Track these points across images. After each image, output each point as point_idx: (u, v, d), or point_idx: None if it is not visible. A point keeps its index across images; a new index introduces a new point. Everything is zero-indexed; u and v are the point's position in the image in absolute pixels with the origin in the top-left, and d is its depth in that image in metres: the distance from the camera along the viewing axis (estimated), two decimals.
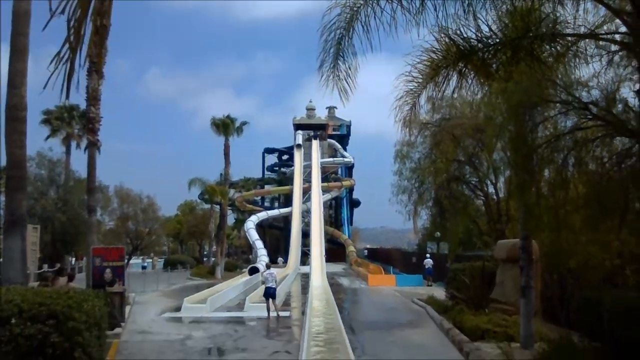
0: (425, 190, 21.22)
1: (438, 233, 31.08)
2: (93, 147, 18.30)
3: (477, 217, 22.57)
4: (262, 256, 42.51)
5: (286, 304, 21.20)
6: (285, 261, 46.89)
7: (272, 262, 51.42)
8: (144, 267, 48.71)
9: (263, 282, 17.63)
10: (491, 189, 20.92)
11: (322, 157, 60.44)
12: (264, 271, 17.58)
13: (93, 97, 18.11)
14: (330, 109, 69.71)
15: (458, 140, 19.22)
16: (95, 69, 17.93)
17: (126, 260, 27.08)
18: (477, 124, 17.27)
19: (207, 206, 48.39)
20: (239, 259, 60.78)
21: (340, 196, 63.98)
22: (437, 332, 14.03)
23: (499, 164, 19.54)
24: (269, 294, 16.79)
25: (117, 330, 13.28)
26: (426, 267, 30.07)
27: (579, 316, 10.75)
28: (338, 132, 68.41)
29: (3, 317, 7.10)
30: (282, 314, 17.30)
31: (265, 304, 17.01)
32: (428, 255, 32.24)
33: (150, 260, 53.81)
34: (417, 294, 23.77)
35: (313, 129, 64.11)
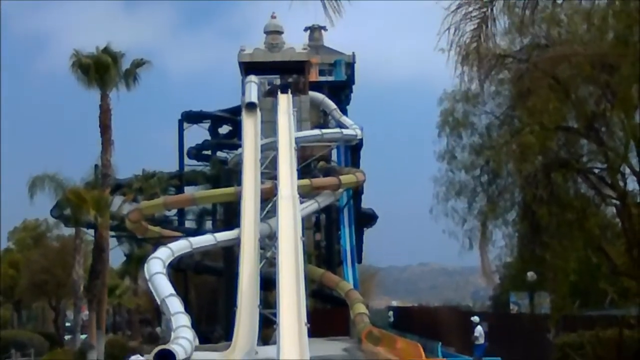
0: (503, 189, 21.26)
1: (530, 273, 31.21)
2: None
3: (607, 241, 22.72)
4: (180, 328, 42.26)
5: None
6: (228, 338, 46.76)
7: (204, 338, 51.71)
8: None
9: None
10: (633, 185, 21.06)
11: (300, 129, 60.37)
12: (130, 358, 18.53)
13: None
14: (314, 30, 69.84)
15: (565, 87, 19.24)
16: None
17: None
18: (601, 53, 17.33)
19: (70, 231, 48.16)
20: (136, 334, 60.58)
21: (338, 205, 64.00)
22: None
23: None
24: None
25: None
26: (475, 340, 31.24)
27: None
28: (330, 78, 68.69)
29: None
30: None
31: None
32: (476, 319, 32.65)
33: None
34: None
35: (279, 71, 64.23)
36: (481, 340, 30.59)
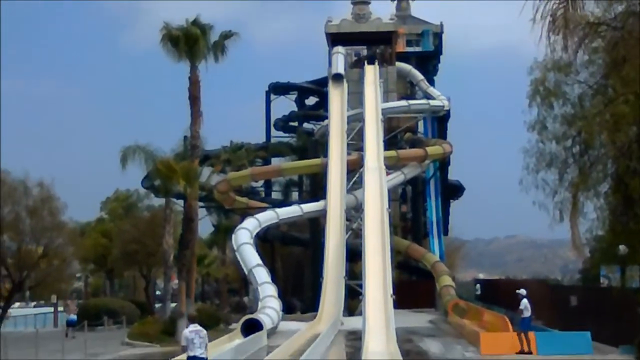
0: (595, 160, 20.88)
1: (622, 247, 30.61)
2: None
3: None
4: (267, 298, 42.81)
5: None
6: (314, 308, 47.10)
7: (289, 308, 52.14)
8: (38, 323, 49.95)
9: (184, 349, 18.42)
10: None
11: (386, 100, 60.16)
12: (188, 328, 18.51)
13: None
14: (401, 0, 68.91)
15: None
16: None
17: None
18: None
19: (160, 201, 48.97)
20: (224, 303, 61.40)
21: (424, 177, 63.70)
22: None
23: None
24: None
25: None
26: (521, 313, 30.52)
27: None
28: (418, 49, 68.00)
29: None
30: None
31: None
32: (523, 292, 32.25)
33: (56, 307, 55.30)
34: None
35: (366, 42, 63.91)
36: (527, 314, 30.22)
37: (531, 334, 32.76)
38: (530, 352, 29.49)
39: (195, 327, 18.11)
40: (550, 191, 22.25)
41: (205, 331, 18.28)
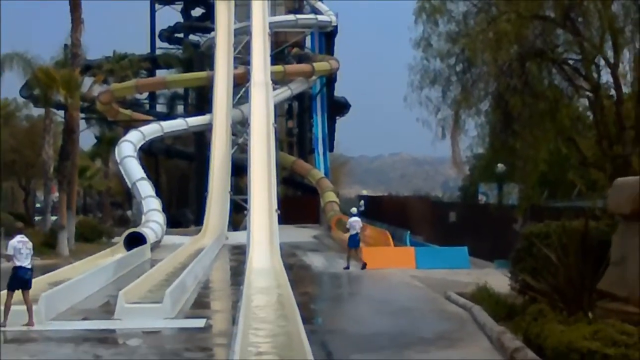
0: (477, 78, 21.08)
1: (500, 165, 31.37)
2: None
3: (577, 132, 22.81)
4: (151, 212, 42.64)
5: (200, 305, 21.38)
6: (199, 222, 47.16)
7: (174, 222, 52.03)
8: None
9: (9, 258, 18.25)
10: (607, 77, 21.03)
11: (274, 13, 59.65)
12: (15, 239, 18.13)
13: None
14: None
15: None
16: None
17: None
18: None
19: (39, 112, 47.71)
20: (106, 217, 60.84)
21: (311, 93, 63.83)
22: (491, 354, 14.40)
23: (623, 22, 19.47)
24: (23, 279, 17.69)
25: None
26: (350, 231, 31.79)
27: None
28: None
29: None
30: (192, 322, 17.91)
31: None
32: (354, 211, 34.66)
33: None
34: (455, 283, 24.25)
35: None
36: (352, 232, 31.40)
37: (410, 249, 33.70)
38: (365, 264, 30.71)
39: (22, 237, 17.85)
40: (434, 108, 22.48)
41: (31, 243, 18.03)
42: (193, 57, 63.29)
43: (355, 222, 31.62)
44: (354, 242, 31.66)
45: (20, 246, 17.60)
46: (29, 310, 17.47)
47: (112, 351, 15.28)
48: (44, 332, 17.05)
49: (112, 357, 14.62)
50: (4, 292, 17.51)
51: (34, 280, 21.13)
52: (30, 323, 17.36)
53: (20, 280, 17.49)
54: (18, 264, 17.49)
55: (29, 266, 17.67)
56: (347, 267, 30.45)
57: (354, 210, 35.80)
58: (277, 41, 59.89)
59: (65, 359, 14.51)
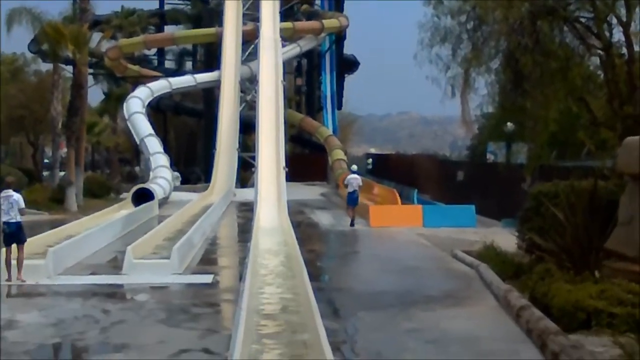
0: (488, 36, 20.95)
1: (509, 124, 31.24)
2: None
3: (588, 92, 22.69)
4: (159, 168, 42.72)
5: (208, 261, 21.47)
6: (207, 179, 47.23)
7: (183, 179, 52.05)
8: None
9: None
10: (618, 36, 20.84)
11: None
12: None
13: None
14: None
15: None
16: None
17: None
18: None
19: (48, 67, 47.56)
20: (114, 173, 60.94)
21: (320, 50, 63.53)
22: (497, 313, 14.45)
23: None
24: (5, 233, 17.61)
25: None
26: (348, 189, 31.92)
27: None
28: None
29: None
30: (199, 278, 18.05)
31: None
32: (355, 168, 35.13)
33: None
34: (462, 241, 24.29)
35: None
36: (350, 189, 31.48)
37: (418, 207, 33.78)
38: (353, 222, 31.16)
39: (7, 192, 17.79)
40: (444, 66, 22.37)
41: (17, 195, 17.89)
42: (202, 13, 62.82)
43: (354, 179, 31.78)
44: (352, 200, 31.84)
45: (2, 202, 17.60)
46: (18, 264, 17.50)
47: (119, 306, 15.40)
48: (52, 287, 17.23)
49: (120, 311, 14.71)
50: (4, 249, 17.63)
51: (41, 235, 21.07)
52: (18, 277, 17.42)
53: (5, 234, 17.53)
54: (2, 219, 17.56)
55: (13, 220, 17.56)
56: (352, 224, 30.73)
57: (354, 167, 35.99)
58: None
59: (74, 313, 14.56)
